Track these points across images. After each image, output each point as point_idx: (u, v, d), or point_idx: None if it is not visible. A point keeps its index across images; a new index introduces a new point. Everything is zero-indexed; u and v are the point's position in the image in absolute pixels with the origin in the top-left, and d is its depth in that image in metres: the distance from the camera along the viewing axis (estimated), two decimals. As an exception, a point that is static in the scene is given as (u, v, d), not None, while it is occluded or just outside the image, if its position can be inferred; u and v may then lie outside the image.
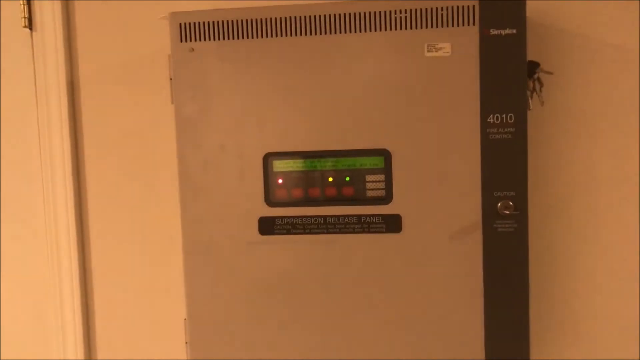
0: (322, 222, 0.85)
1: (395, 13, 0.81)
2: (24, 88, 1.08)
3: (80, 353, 1.09)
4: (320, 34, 0.83)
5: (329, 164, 0.84)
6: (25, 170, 1.10)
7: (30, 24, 1.06)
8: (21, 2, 1.06)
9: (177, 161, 0.86)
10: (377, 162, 0.84)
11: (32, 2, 1.06)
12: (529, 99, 0.88)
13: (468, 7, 0.80)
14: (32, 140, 1.09)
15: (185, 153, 0.86)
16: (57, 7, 1.05)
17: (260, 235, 0.86)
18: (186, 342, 0.89)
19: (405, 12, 0.81)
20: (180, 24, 0.84)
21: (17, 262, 1.11)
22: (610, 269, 0.99)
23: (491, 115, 0.81)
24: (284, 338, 0.87)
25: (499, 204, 0.82)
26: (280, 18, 0.83)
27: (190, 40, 0.85)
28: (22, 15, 1.06)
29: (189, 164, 0.86)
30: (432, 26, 0.81)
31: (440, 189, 0.83)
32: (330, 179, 0.85)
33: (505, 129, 0.81)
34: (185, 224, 0.87)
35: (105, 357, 1.11)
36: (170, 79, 0.86)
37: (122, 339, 1.10)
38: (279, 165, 0.85)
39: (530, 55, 0.91)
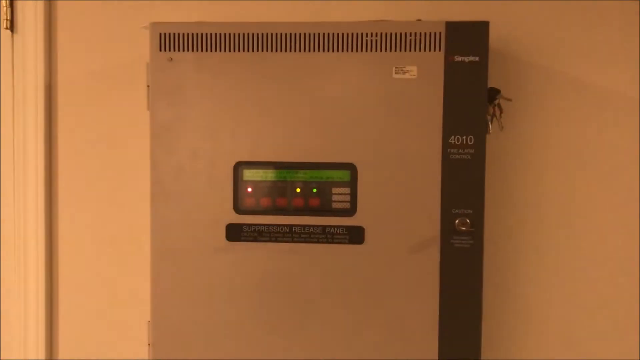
0: (288, 231, 0.88)
1: (366, 36, 0.86)
2: (1, 88, 1.10)
3: (42, 353, 1.09)
4: (295, 51, 0.87)
5: (297, 175, 0.88)
6: (-3, 170, 1.11)
7: (12, 26, 1.08)
8: (4, 4, 1.08)
9: (149, 166, 0.89)
10: (343, 175, 0.87)
11: (14, 4, 1.08)
12: (489, 123, 0.93)
13: (434, 33, 0.85)
14: (6, 140, 1.10)
15: (159, 159, 0.88)
16: (40, 11, 1.07)
17: (227, 242, 0.88)
18: (149, 344, 0.90)
19: (376, 35, 0.86)
20: (160, 34, 0.87)
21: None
22: (559, 284, 1.04)
23: (452, 137, 0.86)
24: (245, 342, 0.89)
25: (457, 221, 0.86)
26: (257, 34, 0.86)
27: (169, 50, 0.88)
28: (5, 17, 1.08)
29: (162, 169, 0.88)
30: (400, 50, 0.86)
31: (402, 204, 0.87)
32: (298, 190, 0.88)
33: (465, 150, 0.86)
34: (155, 227, 0.89)
35: (68, 354, 1.11)
36: (148, 86, 0.89)
37: (85, 338, 1.10)
38: (248, 174, 0.88)
39: (492, 83, 0.96)
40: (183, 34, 0.87)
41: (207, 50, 0.87)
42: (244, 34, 0.87)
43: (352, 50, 0.86)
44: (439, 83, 0.86)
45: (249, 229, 0.88)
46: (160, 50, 0.88)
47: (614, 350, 1.04)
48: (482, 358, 0.87)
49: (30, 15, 1.08)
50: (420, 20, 0.92)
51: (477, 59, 0.85)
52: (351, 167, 0.87)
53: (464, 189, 0.86)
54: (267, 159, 0.88)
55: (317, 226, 0.88)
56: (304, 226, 0.88)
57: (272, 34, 0.86)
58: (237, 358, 0.89)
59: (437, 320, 0.87)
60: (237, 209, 0.88)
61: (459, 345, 0.87)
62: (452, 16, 1.02)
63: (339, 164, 0.87)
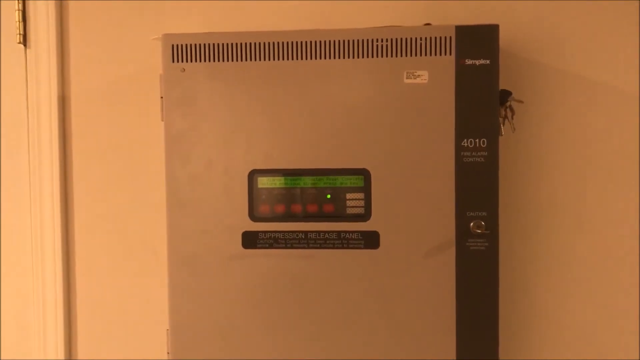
0: (303, 237, 0.88)
1: (377, 41, 0.86)
2: (16, 101, 1.11)
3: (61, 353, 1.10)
4: (307, 59, 0.87)
5: (311, 181, 0.88)
6: (14, 181, 1.12)
7: (24, 41, 1.10)
8: (17, 19, 1.09)
9: (165, 176, 0.89)
10: (357, 181, 0.88)
11: (27, 19, 1.10)
12: (501, 125, 0.93)
13: (445, 37, 0.86)
14: (21, 152, 1.11)
15: (174, 168, 0.89)
16: (52, 24, 1.09)
17: (243, 249, 0.89)
18: (168, 353, 0.91)
19: (386, 41, 0.86)
20: (173, 45, 0.88)
21: (3, 271, 1.13)
22: (574, 284, 1.04)
23: (465, 140, 0.86)
24: (263, 348, 0.89)
25: (472, 224, 0.86)
26: (268, 43, 0.87)
27: (182, 61, 0.89)
28: (17, 32, 1.09)
29: (177, 179, 0.89)
30: (411, 55, 0.86)
31: (417, 208, 0.87)
32: (312, 196, 0.88)
33: (478, 153, 0.86)
34: (171, 236, 0.90)
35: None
36: (161, 97, 0.90)
37: (104, 349, 1.11)
38: (263, 181, 0.89)
39: (503, 85, 0.96)
40: (195, 45, 0.88)
41: (219, 60, 0.88)
42: (255, 44, 0.87)
43: (363, 57, 0.86)
44: (451, 87, 0.86)
45: (265, 236, 0.89)
46: (173, 61, 0.89)
47: (631, 350, 1.04)
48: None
49: (43, 29, 1.09)
50: (429, 24, 0.92)
51: (487, 62, 0.86)
52: (365, 173, 0.87)
53: (478, 191, 0.86)
54: (281, 167, 0.88)
55: (332, 232, 0.88)
56: (319, 232, 0.88)
57: (282, 43, 0.87)
58: (255, 364, 0.90)
59: (454, 323, 0.87)
60: (253, 216, 0.89)
61: (477, 349, 0.87)
62: (461, 19, 1.02)
63: (352, 170, 0.88)
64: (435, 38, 0.86)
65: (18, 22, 1.09)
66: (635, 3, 1.01)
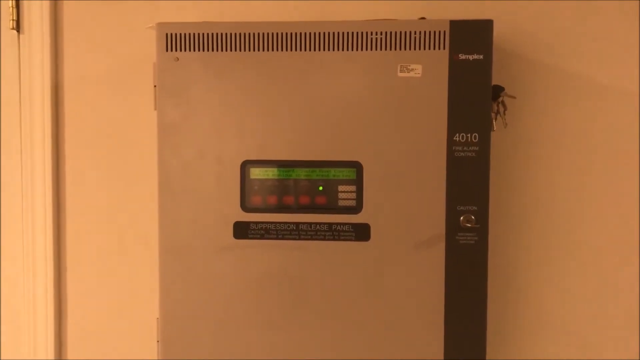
0: (294, 228, 0.89)
1: (371, 34, 0.86)
2: (8, 88, 1.10)
3: (51, 348, 1.10)
4: (301, 50, 0.87)
5: (303, 173, 0.89)
6: (5, 169, 1.11)
7: (18, 26, 1.09)
8: (9, 5, 1.08)
9: (157, 165, 0.90)
10: (349, 173, 0.88)
11: (20, 4, 1.09)
12: (493, 120, 0.94)
13: (439, 32, 0.86)
14: (13, 139, 1.10)
15: (166, 158, 0.89)
16: (46, 11, 1.08)
17: (234, 239, 0.89)
18: (157, 341, 0.92)
19: (381, 34, 0.86)
20: (167, 34, 0.88)
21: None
22: (563, 280, 1.05)
23: (457, 134, 0.87)
24: (253, 339, 0.90)
25: (462, 218, 0.87)
26: (263, 34, 0.87)
27: (176, 50, 0.88)
28: (11, 18, 1.08)
29: (169, 168, 0.89)
30: (405, 48, 0.87)
31: (408, 201, 0.87)
32: (304, 188, 0.89)
33: (470, 148, 0.87)
34: (163, 226, 0.90)
35: (77, 351, 1.12)
36: (155, 86, 0.89)
37: (93, 336, 1.12)
38: (255, 172, 0.89)
39: (496, 80, 0.97)
40: (189, 34, 0.88)
41: (213, 50, 0.88)
42: (249, 34, 0.87)
43: (357, 49, 0.86)
44: (444, 81, 0.86)
45: (256, 226, 0.89)
46: (167, 50, 0.88)
47: (621, 348, 1.05)
48: (486, 355, 0.88)
49: (36, 15, 1.08)
50: (424, 18, 0.92)
51: (481, 57, 0.86)
52: (357, 165, 0.88)
53: (468, 185, 0.87)
54: (273, 158, 0.88)
55: (324, 224, 0.89)
56: (310, 224, 0.89)
57: (277, 34, 0.87)
58: (244, 354, 0.90)
59: (442, 315, 0.88)
60: (244, 207, 0.89)
61: (464, 341, 0.88)
62: (456, 14, 1.03)
63: (344, 162, 0.88)
64: (430, 32, 0.86)
65: (11, 8, 1.09)
66: (634, 3, 1.02)
